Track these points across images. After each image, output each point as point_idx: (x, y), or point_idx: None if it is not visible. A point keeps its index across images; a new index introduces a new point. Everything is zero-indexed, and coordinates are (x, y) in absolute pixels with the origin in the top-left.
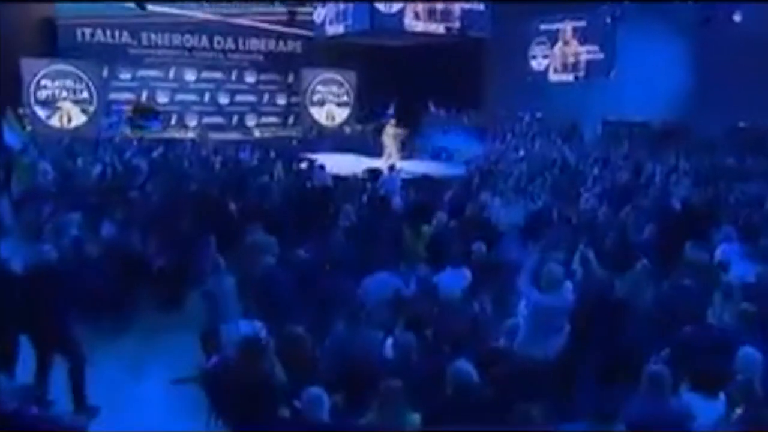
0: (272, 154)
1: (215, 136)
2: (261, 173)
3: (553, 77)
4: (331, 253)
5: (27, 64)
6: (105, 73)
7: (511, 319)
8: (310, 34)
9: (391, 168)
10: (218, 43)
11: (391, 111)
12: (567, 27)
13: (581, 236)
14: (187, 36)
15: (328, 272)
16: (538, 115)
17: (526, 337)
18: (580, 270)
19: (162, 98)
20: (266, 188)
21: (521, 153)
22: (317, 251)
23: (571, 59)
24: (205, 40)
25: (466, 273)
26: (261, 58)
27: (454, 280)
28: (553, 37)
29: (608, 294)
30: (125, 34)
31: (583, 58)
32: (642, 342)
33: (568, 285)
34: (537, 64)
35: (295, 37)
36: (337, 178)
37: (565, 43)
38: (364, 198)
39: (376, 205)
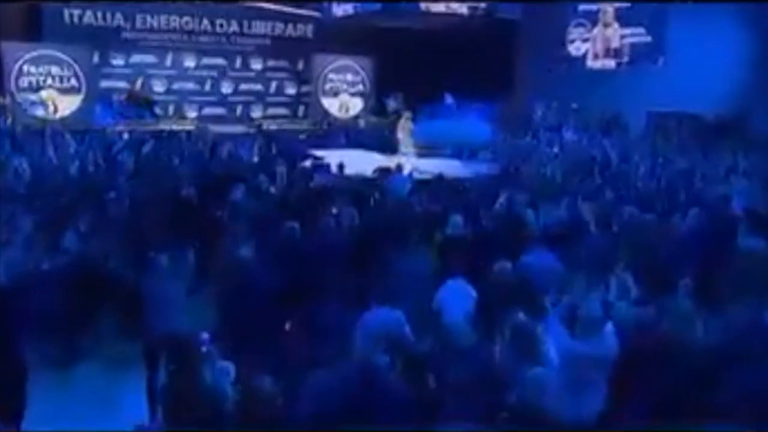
0: (277, 150)
1: (216, 128)
2: (262, 172)
3: (593, 63)
4: (322, 268)
5: (8, 49)
6: (95, 58)
7: (537, 368)
8: (318, 15)
9: (399, 168)
10: (221, 26)
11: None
12: (608, 7)
13: (621, 252)
14: (187, 18)
15: (316, 294)
16: (575, 106)
17: (555, 393)
18: (619, 303)
19: (158, 87)
20: (261, 191)
21: (555, 149)
22: (306, 266)
23: (613, 43)
24: (206, 23)
25: (470, 291)
26: (268, 42)
27: (456, 301)
28: (593, 18)
29: (655, 337)
30: (118, 15)
31: (628, 41)
32: (699, 397)
33: (610, 328)
34: (575, 48)
35: (306, 19)
36: (343, 179)
37: (606, 25)
38: (371, 202)
39: (380, 211)
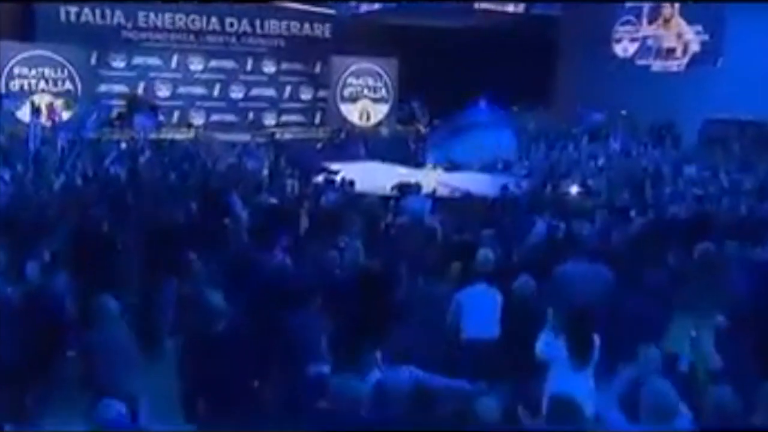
0: (289, 162)
1: (225, 137)
2: (268, 188)
3: (643, 65)
4: (320, 317)
5: None
6: (93, 60)
7: None
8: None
9: (419, 186)
10: (231, 25)
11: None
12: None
13: (687, 296)
14: (194, 16)
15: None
16: (623, 112)
17: None
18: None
19: (162, 91)
20: (262, 214)
21: (600, 162)
22: (300, 315)
23: (666, 43)
24: (215, 22)
25: (497, 296)
26: (282, 43)
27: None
28: (641, 15)
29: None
30: (118, 13)
31: (684, 40)
32: None
33: (685, 412)
34: (622, 48)
35: (324, 18)
36: (356, 198)
37: (666, 20)
38: (385, 229)
39: (395, 242)
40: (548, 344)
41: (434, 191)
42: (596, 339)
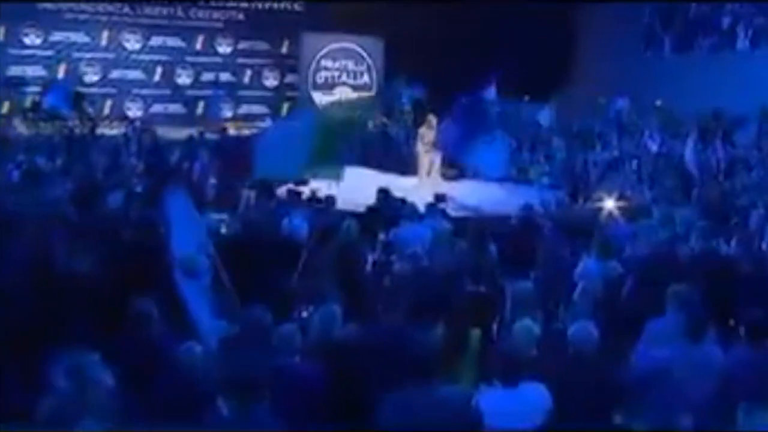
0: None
1: (169, 133)
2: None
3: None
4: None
5: None
6: (1, 36)
7: None
8: None
9: (413, 207)
10: None
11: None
12: None
13: None
14: None
15: None
16: (657, 103)
17: None
18: None
19: (89, 75)
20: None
21: (634, 165)
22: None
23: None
24: None
25: (544, 392)
26: (241, 17)
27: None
28: None
29: None
30: None
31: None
32: None
33: None
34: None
35: None
36: (331, 226)
37: None
38: (368, 266)
39: (381, 299)
40: None
41: (433, 219)
42: None
